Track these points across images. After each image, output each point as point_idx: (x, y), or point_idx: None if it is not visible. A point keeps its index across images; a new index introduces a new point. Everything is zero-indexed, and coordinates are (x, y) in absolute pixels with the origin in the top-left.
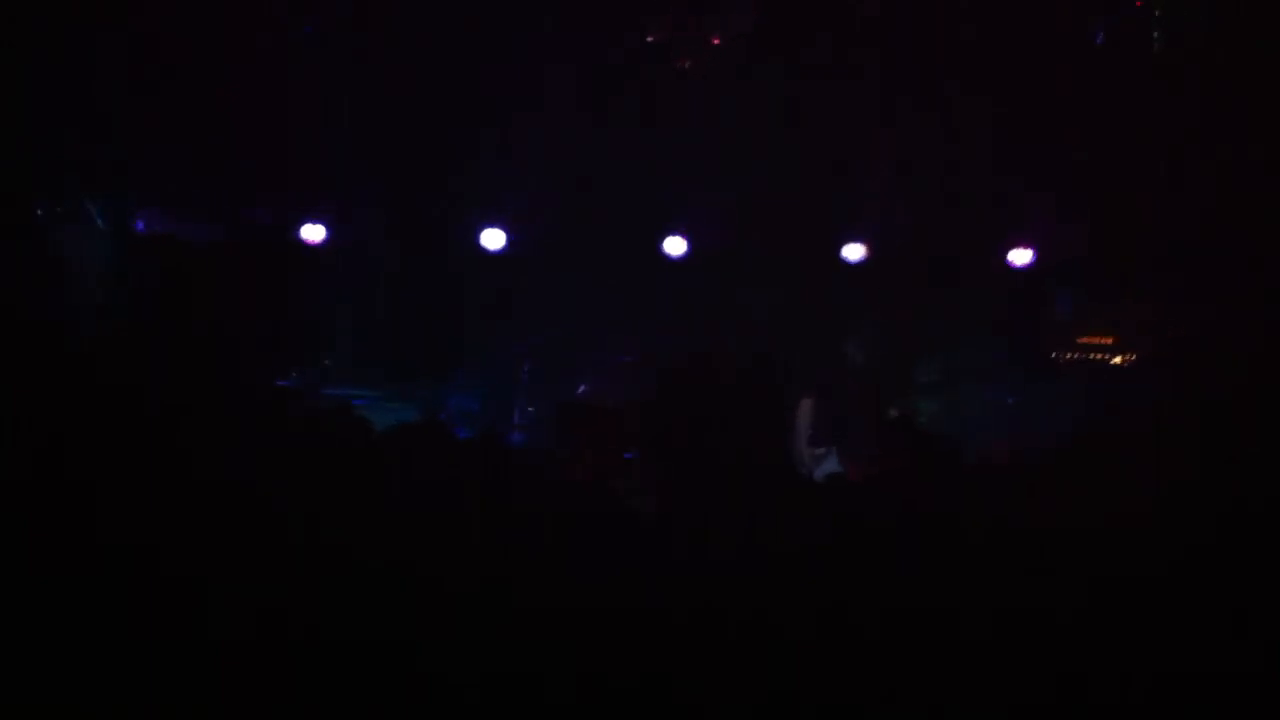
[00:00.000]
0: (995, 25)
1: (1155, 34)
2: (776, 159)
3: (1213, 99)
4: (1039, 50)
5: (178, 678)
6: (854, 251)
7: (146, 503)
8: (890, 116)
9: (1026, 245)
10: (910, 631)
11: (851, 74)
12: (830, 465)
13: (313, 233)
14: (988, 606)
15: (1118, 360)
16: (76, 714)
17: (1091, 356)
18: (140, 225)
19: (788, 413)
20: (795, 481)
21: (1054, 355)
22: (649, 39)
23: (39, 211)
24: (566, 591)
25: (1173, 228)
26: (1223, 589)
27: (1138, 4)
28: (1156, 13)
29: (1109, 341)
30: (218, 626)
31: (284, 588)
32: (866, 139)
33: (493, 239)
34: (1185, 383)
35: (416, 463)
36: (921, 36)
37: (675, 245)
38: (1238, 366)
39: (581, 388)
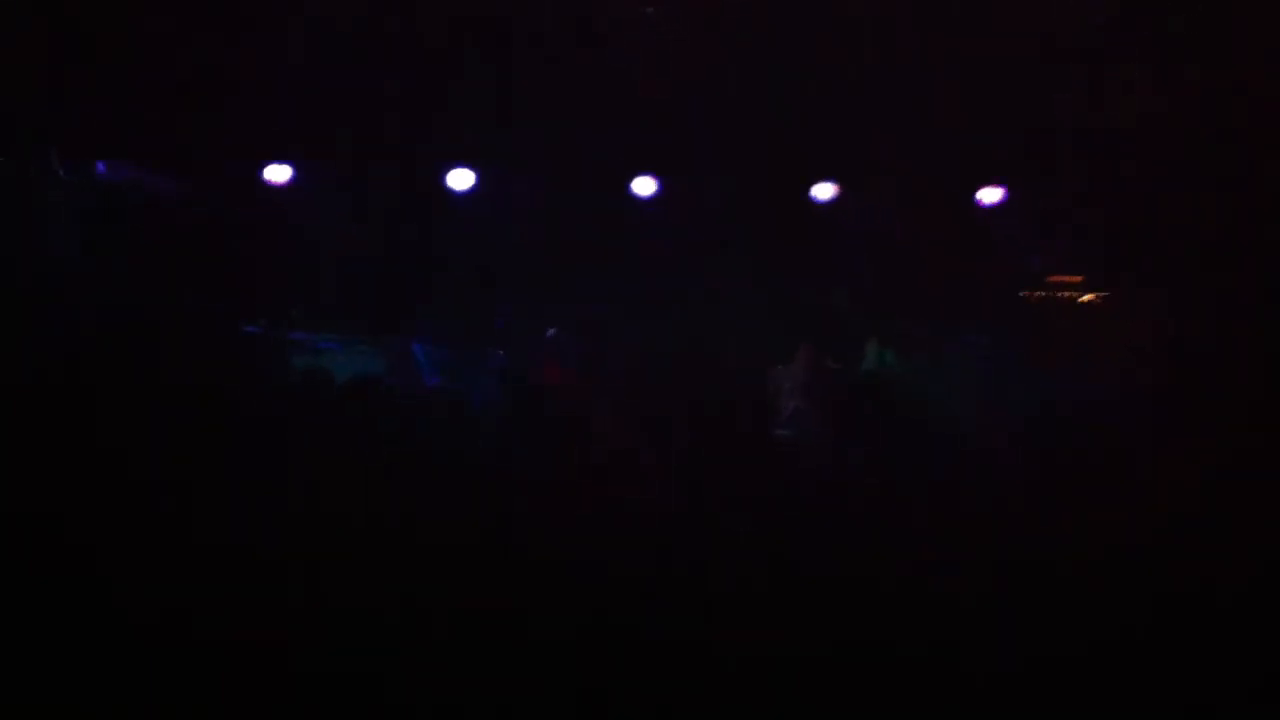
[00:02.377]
0: None
1: None
2: (747, 97)
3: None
4: None
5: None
6: (824, 191)
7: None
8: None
9: (996, 184)
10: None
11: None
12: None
13: (277, 174)
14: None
15: (1087, 298)
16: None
17: (1060, 295)
18: (102, 169)
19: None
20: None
21: (1022, 294)
22: None
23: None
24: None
25: (1144, 168)
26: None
27: None
28: None
29: (1077, 280)
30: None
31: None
32: (840, 76)
33: (460, 179)
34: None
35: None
36: None
37: (644, 185)
38: (1205, 308)
39: (550, 332)
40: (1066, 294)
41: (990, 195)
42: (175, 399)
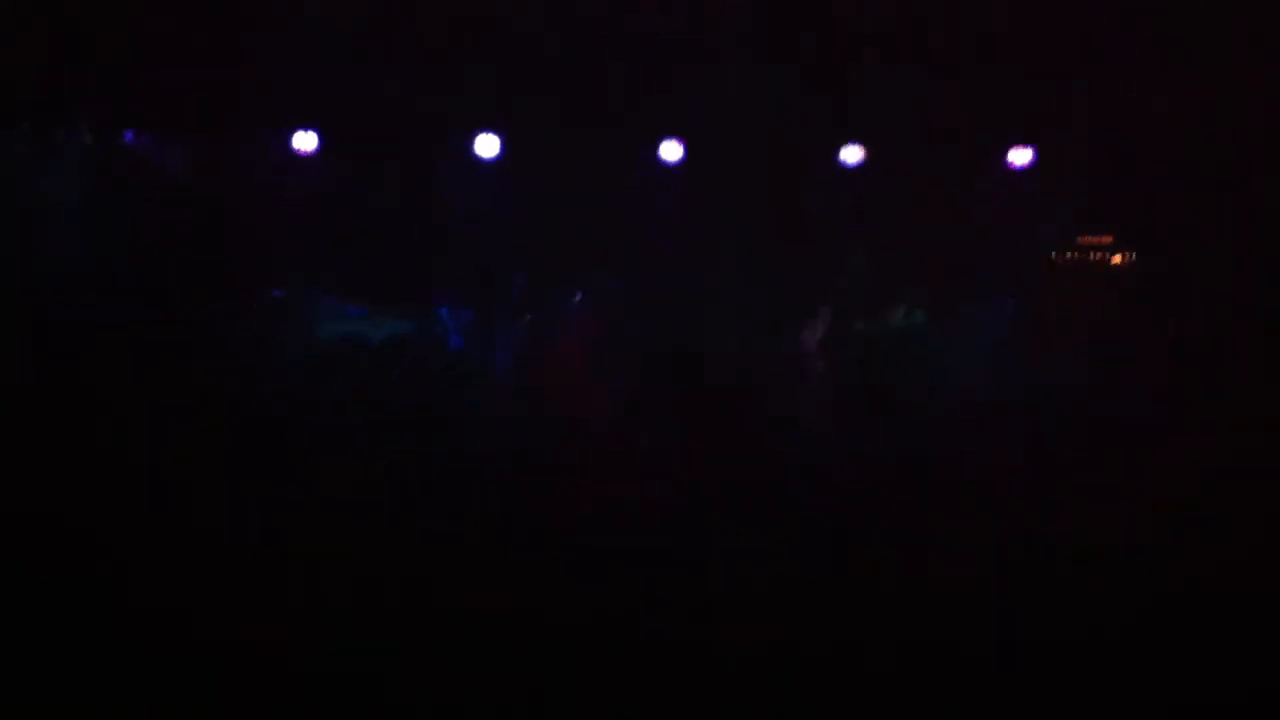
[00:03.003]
0: None
1: None
2: (772, 65)
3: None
4: None
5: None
6: (852, 154)
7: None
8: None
9: (1026, 145)
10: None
11: None
12: None
13: (305, 141)
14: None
15: (1117, 259)
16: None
17: (1092, 256)
18: (129, 137)
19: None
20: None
21: (1054, 256)
22: None
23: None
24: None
25: (1172, 128)
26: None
27: None
28: None
29: (1108, 240)
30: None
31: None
32: (863, 38)
33: (486, 146)
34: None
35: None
36: None
37: (671, 151)
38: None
39: (578, 295)
40: (1096, 254)
41: (1020, 157)
42: (208, 364)
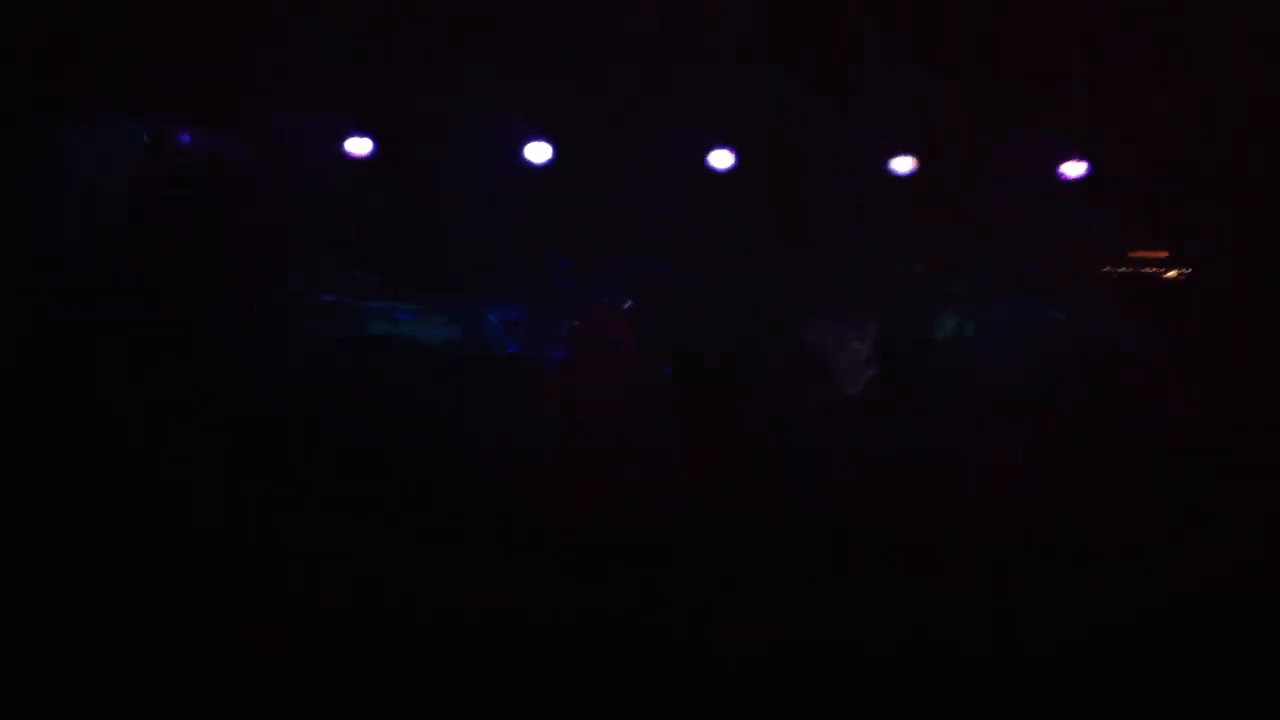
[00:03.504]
0: None
1: None
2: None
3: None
4: None
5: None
6: (903, 165)
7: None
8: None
9: (1079, 158)
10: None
11: None
12: None
13: (358, 146)
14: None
15: (1172, 275)
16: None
17: (1144, 270)
18: (185, 139)
19: (849, 339)
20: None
21: (1105, 269)
22: None
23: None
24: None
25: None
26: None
27: None
28: None
29: (1163, 256)
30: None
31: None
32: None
33: (539, 152)
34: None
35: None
36: None
37: (722, 159)
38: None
39: (628, 304)
40: (1150, 269)
41: (1073, 169)
42: (252, 364)
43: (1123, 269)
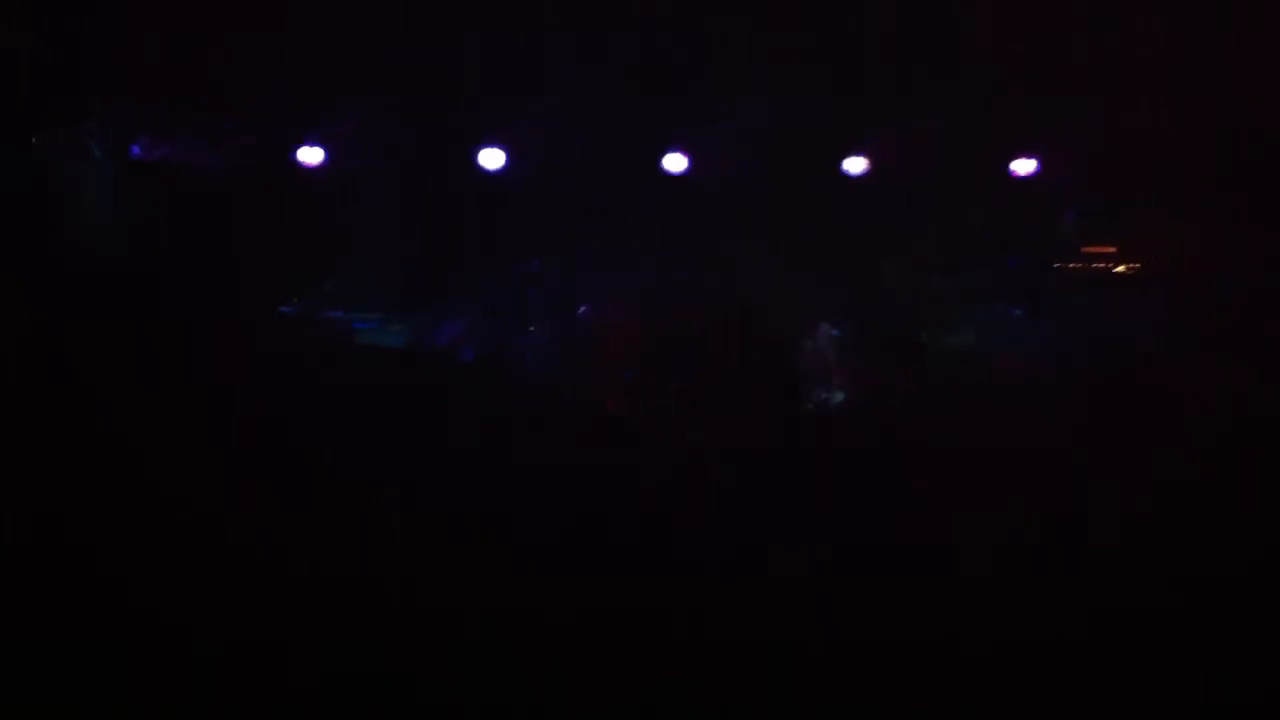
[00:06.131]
0: None
1: None
2: (776, 78)
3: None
4: None
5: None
6: (855, 165)
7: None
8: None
9: (1029, 155)
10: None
11: None
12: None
13: (310, 155)
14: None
15: (1121, 269)
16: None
17: (1094, 266)
18: (136, 151)
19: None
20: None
21: (1057, 265)
22: None
23: (36, 141)
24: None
25: (1177, 139)
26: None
27: None
28: None
29: (1112, 250)
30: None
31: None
32: (866, 54)
33: (491, 159)
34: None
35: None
36: None
37: (675, 162)
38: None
39: (582, 309)
40: (1101, 264)
41: (1023, 166)
42: (207, 380)
43: (1075, 265)
